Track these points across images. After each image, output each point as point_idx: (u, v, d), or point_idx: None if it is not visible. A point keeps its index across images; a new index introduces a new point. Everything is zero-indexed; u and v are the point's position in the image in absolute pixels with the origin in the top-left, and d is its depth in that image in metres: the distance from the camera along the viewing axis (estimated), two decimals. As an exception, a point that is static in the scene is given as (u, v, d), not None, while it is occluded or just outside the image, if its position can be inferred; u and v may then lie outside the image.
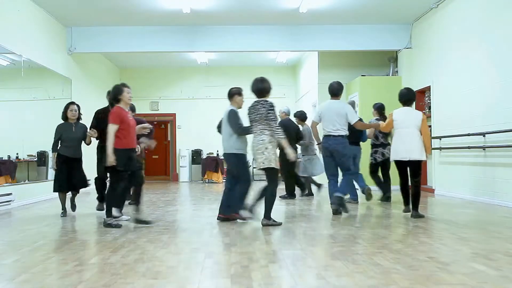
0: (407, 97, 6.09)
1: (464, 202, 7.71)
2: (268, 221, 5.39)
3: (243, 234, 5.08)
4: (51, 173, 7.83)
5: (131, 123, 5.49)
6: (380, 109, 7.90)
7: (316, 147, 6.79)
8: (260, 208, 5.53)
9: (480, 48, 7.83)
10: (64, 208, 6.55)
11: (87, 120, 6.73)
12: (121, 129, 5.33)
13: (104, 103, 6.93)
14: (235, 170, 5.78)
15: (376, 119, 7.72)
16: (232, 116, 5.68)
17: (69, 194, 6.74)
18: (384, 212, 6.74)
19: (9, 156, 8.44)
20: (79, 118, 6.66)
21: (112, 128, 5.30)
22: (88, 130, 6.53)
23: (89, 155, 7.01)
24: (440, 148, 9.00)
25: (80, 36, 10.69)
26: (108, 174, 6.55)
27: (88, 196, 9.01)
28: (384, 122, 6.64)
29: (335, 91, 6.46)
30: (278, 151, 5.60)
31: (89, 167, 7.06)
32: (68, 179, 6.48)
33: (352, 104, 7.78)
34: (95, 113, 6.71)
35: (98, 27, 10.67)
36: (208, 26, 10.76)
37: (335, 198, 6.20)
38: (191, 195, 10.20)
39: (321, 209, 7.08)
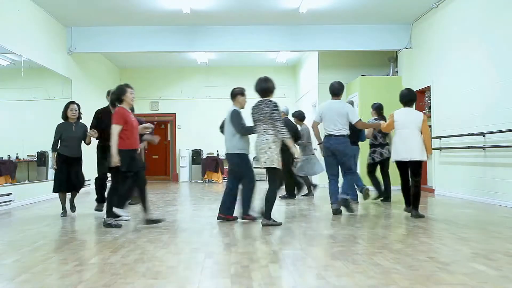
0: (408, 98, 6.10)
1: (464, 202, 7.71)
2: (268, 221, 5.39)
3: (243, 234, 5.08)
4: (51, 173, 7.83)
5: (134, 123, 5.47)
6: (378, 109, 7.91)
7: (317, 146, 6.80)
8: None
9: (480, 48, 7.83)
10: (64, 208, 6.55)
11: (86, 120, 6.73)
12: (124, 130, 5.31)
13: (104, 103, 6.94)
14: (238, 170, 5.78)
15: (375, 119, 7.73)
16: (235, 116, 5.69)
17: (68, 195, 6.73)
18: (384, 212, 6.74)
19: (9, 156, 8.44)
20: (79, 118, 6.65)
21: (116, 129, 5.27)
22: (88, 130, 6.53)
23: (89, 155, 7.00)
24: (440, 148, 9.00)
25: (80, 36, 10.69)
26: (108, 174, 6.56)
27: (88, 196, 9.01)
28: (383, 122, 6.64)
29: (336, 91, 6.47)
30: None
31: (89, 167, 7.06)
32: (67, 179, 6.47)
33: (351, 104, 7.78)
34: (95, 113, 6.71)
35: (98, 27, 10.67)
36: (208, 26, 10.76)
37: (340, 200, 6.25)
38: (191, 195, 10.20)
39: (321, 209, 7.08)
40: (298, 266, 3.54)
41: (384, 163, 7.78)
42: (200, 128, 15.24)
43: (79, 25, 10.55)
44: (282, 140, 5.43)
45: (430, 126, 9.15)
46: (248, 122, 5.71)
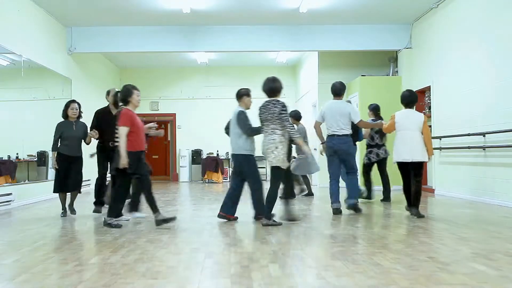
0: (409, 99, 6.12)
1: (464, 202, 7.71)
2: (269, 221, 5.39)
3: (243, 234, 5.09)
4: (51, 173, 7.83)
5: (140, 125, 5.45)
6: (375, 110, 7.93)
7: (321, 146, 6.83)
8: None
9: (480, 48, 7.83)
10: (64, 208, 6.54)
11: (86, 120, 6.73)
12: (131, 132, 5.28)
13: (104, 103, 6.94)
14: (244, 171, 5.77)
15: (372, 120, 7.75)
16: (242, 117, 5.69)
17: (68, 197, 6.69)
18: (384, 212, 6.74)
19: (9, 156, 8.44)
20: (79, 117, 6.64)
21: (123, 130, 5.24)
22: (89, 130, 6.53)
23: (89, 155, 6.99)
24: (440, 148, 9.00)
25: (80, 36, 10.69)
26: (109, 173, 6.56)
27: (88, 197, 9.00)
28: (385, 122, 6.66)
29: (338, 91, 6.51)
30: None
31: (89, 167, 7.06)
32: (68, 178, 6.46)
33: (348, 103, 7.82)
34: (95, 113, 6.72)
35: (98, 27, 10.66)
36: (208, 26, 10.75)
37: (350, 205, 6.40)
38: (191, 195, 10.20)
39: (321, 209, 7.08)
40: (298, 266, 3.54)
41: (380, 163, 7.80)
42: (200, 128, 15.24)
43: (79, 25, 10.54)
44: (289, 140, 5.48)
45: (430, 126, 9.15)
46: (254, 123, 5.73)
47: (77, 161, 6.54)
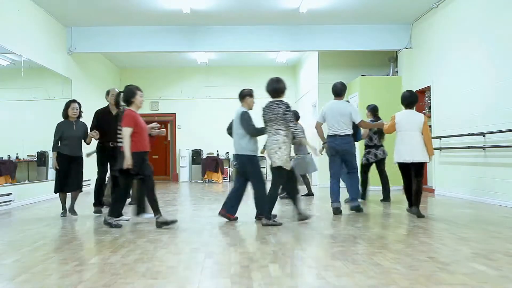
0: (410, 100, 6.13)
1: (464, 202, 7.71)
2: (269, 221, 5.39)
3: (243, 234, 5.09)
4: (51, 173, 7.83)
5: (144, 125, 5.45)
6: (373, 111, 7.94)
7: (321, 146, 6.85)
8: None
9: (480, 48, 7.83)
10: (64, 208, 6.53)
11: (86, 120, 6.72)
12: (135, 132, 5.26)
13: (105, 103, 6.94)
14: (247, 171, 5.76)
15: (371, 121, 7.75)
16: (246, 118, 5.68)
17: (69, 198, 6.68)
18: (384, 212, 6.74)
19: (9, 156, 8.44)
20: (79, 116, 6.64)
21: (127, 131, 5.22)
22: (89, 131, 6.53)
23: (93, 155, 6.98)
24: (440, 148, 9.00)
25: (80, 36, 10.69)
26: (110, 173, 6.57)
27: (88, 197, 9.00)
28: (386, 122, 6.66)
29: (339, 91, 6.54)
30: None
31: (89, 167, 7.06)
32: (68, 178, 6.45)
33: None
34: (95, 113, 6.72)
35: (98, 27, 10.66)
36: (208, 26, 10.75)
37: (353, 207, 6.45)
38: (191, 195, 10.20)
39: (321, 209, 7.08)
40: (298, 266, 3.54)
41: (379, 163, 7.81)
42: (200, 128, 15.25)
43: (79, 25, 10.54)
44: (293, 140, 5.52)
45: (430, 126, 9.15)
46: (257, 123, 5.74)
47: (78, 161, 6.53)
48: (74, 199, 6.62)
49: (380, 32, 10.78)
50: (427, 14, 9.82)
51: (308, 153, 8.98)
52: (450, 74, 8.81)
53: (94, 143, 6.71)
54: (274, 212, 5.58)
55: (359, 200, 7.76)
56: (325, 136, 6.56)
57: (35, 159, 9.20)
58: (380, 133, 7.67)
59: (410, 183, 6.09)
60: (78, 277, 3.20)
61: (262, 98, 5.76)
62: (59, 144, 6.43)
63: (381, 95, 10.32)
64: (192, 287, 3.01)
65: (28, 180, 8.88)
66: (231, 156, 15.10)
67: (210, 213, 6.72)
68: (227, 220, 5.79)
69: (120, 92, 6.21)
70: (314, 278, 3.17)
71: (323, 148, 6.64)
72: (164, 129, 7.16)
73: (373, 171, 7.93)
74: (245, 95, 5.86)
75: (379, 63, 11.83)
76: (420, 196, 5.98)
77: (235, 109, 5.96)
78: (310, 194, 9.12)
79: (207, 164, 14.77)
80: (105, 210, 6.40)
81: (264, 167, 11.02)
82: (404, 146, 5.94)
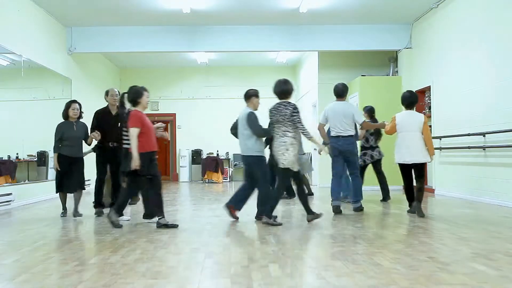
0: (410, 100, 6.14)
1: (464, 202, 7.71)
2: (269, 220, 5.39)
3: (243, 234, 5.09)
4: (51, 173, 7.83)
5: (150, 125, 5.43)
6: (370, 112, 7.94)
7: (323, 146, 6.88)
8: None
9: (480, 48, 7.83)
10: (64, 208, 6.53)
11: (86, 120, 6.72)
12: (141, 133, 5.24)
13: (104, 103, 6.93)
14: (254, 172, 5.76)
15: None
16: (252, 118, 5.67)
17: (70, 199, 6.66)
18: (384, 212, 6.74)
19: (9, 156, 8.44)
20: (80, 117, 6.62)
21: (134, 132, 5.20)
22: (90, 131, 6.52)
23: (89, 154, 6.98)
24: (440, 148, 9.00)
25: (80, 36, 10.69)
26: (108, 172, 6.56)
27: (88, 197, 9.00)
28: (387, 122, 6.67)
29: (340, 92, 6.57)
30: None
31: (89, 167, 7.05)
32: (69, 179, 6.45)
33: None
34: (95, 113, 6.71)
35: (98, 27, 10.66)
36: (208, 26, 10.75)
37: (355, 209, 6.50)
38: (191, 195, 10.20)
39: (321, 209, 7.07)
40: (298, 266, 3.54)
41: (375, 164, 7.82)
42: (200, 128, 15.24)
43: (79, 25, 10.54)
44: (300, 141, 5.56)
45: (430, 126, 9.15)
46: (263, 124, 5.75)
47: (78, 161, 6.50)
48: (77, 201, 6.53)
49: (380, 32, 10.78)
50: (427, 14, 9.82)
51: (304, 154, 8.98)
52: (450, 74, 8.81)
53: (94, 143, 6.70)
54: (274, 213, 5.58)
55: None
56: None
57: (35, 159, 9.20)
58: (376, 134, 7.68)
59: (410, 183, 6.11)
60: (78, 277, 3.20)
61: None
62: (60, 145, 6.42)
63: (381, 95, 10.33)
64: (192, 287, 3.01)
65: (28, 180, 8.88)
66: (231, 156, 15.10)
67: (210, 213, 6.72)
68: (230, 219, 5.80)
69: (124, 93, 6.21)
70: (314, 278, 3.17)
71: (326, 147, 6.66)
72: (168, 135, 7.13)
73: (371, 172, 7.93)
74: (251, 95, 5.85)
75: (379, 63, 11.83)
76: (423, 193, 6.03)
77: (238, 109, 5.96)
78: (310, 194, 9.12)
79: (207, 164, 14.77)
80: (106, 211, 6.39)
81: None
82: (404, 147, 5.96)
